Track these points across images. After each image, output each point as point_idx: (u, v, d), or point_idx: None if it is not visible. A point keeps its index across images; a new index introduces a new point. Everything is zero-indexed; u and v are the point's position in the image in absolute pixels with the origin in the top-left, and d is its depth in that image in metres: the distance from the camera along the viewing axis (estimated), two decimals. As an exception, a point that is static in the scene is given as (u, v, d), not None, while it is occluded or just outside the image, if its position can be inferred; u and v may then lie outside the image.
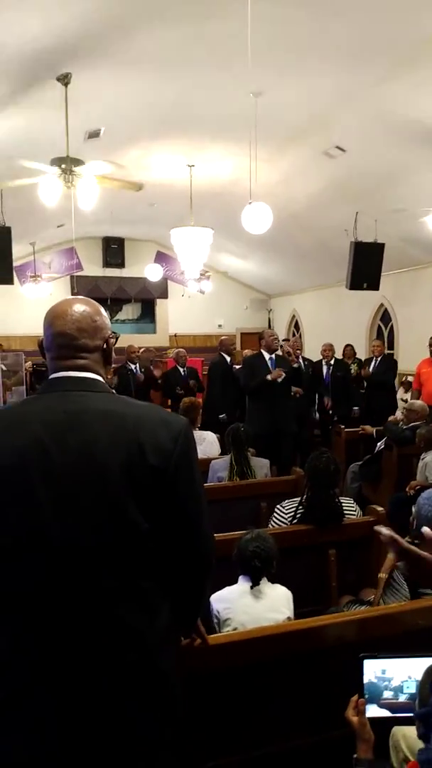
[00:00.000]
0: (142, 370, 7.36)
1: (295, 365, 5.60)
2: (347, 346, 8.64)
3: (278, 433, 5.30)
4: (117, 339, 1.72)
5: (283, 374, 5.34)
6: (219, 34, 4.19)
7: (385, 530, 1.37)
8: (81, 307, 1.36)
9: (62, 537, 1.19)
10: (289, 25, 4.07)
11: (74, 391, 1.30)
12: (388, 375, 7.03)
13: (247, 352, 7.34)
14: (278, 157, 6.60)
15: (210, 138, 6.41)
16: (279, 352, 5.62)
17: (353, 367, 7.64)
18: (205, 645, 1.63)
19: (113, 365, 1.52)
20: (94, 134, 5.91)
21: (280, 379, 5.31)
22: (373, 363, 7.07)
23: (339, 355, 8.02)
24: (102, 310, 1.40)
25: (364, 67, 4.63)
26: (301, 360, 7.03)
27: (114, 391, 1.43)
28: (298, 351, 6.10)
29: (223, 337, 7.62)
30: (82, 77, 4.69)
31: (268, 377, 5.33)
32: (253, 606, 2.24)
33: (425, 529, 1.38)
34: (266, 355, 5.57)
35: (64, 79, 4.67)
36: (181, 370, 7.50)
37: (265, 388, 5.34)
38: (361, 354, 9.22)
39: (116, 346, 1.54)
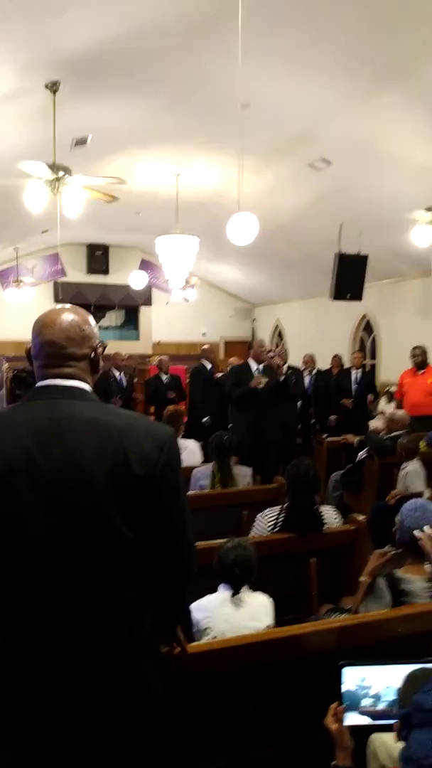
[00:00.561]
0: (127, 377, 7.38)
1: (281, 378, 5.64)
2: (335, 356, 8.74)
3: (263, 443, 5.33)
4: (105, 348, 1.71)
5: (263, 382, 5.36)
6: (207, 46, 4.24)
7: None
8: (69, 316, 1.36)
9: (48, 545, 1.19)
10: (277, 39, 4.14)
11: (61, 399, 1.30)
12: (368, 389, 7.11)
13: (233, 360, 7.37)
14: (264, 169, 6.67)
15: (197, 148, 6.46)
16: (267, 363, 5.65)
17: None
18: (184, 653, 1.63)
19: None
20: (81, 141, 5.92)
21: (260, 386, 5.34)
22: (354, 374, 7.13)
23: (324, 364, 8.10)
24: (90, 319, 1.41)
25: (350, 81, 4.72)
26: (285, 367, 7.08)
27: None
28: (280, 363, 6.13)
29: (204, 347, 7.68)
30: (71, 85, 4.70)
31: (252, 384, 5.35)
32: (233, 615, 2.24)
33: (417, 533, 1.42)
34: (253, 365, 5.60)
35: (53, 87, 4.68)
36: (164, 377, 7.50)
37: (249, 397, 5.36)
38: (345, 364, 9.31)
39: (103, 353, 1.54)
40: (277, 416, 5.66)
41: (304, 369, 7.13)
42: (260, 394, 5.32)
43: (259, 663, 1.91)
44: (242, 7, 2.99)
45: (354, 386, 7.09)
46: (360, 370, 7.15)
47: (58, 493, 1.20)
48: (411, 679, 1.37)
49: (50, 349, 1.33)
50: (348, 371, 7.32)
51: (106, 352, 7.12)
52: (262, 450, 5.27)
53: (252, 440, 5.15)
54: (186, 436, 5.21)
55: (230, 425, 5.70)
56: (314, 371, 7.15)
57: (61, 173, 4.63)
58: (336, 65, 4.50)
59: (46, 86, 4.68)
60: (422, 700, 1.19)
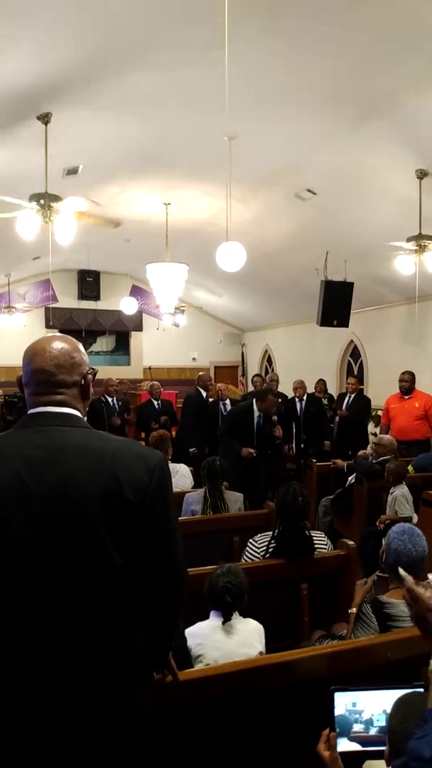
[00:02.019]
0: (119, 403, 7.36)
1: (279, 441, 5.65)
2: (319, 381, 8.79)
3: (252, 470, 5.36)
4: (95, 374, 1.73)
5: (254, 455, 5.33)
6: (195, 79, 4.38)
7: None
8: (59, 344, 1.39)
9: (39, 571, 1.20)
10: (263, 73, 4.28)
11: (52, 426, 1.31)
12: (362, 412, 7.16)
13: (221, 386, 7.38)
14: (251, 198, 6.82)
15: (185, 178, 6.60)
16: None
17: (324, 401, 7.77)
18: (176, 681, 1.62)
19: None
20: (72, 171, 6.04)
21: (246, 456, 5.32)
22: (346, 400, 7.18)
23: (311, 389, 8.14)
24: (80, 347, 1.43)
25: (334, 115, 4.88)
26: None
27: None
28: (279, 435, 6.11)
29: (201, 373, 7.66)
30: (62, 116, 4.82)
31: (242, 452, 5.30)
32: (225, 642, 2.23)
33: (401, 572, 1.39)
34: (256, 413, 5.50)
35: (45, 118, 4.79)
36: (155, 402, 7.49)
37: (232, 449, 5.31)
38: (332, 389, 9.39)
39: (93, 380, 1.56)
40: (263, 454, 5.62)
41: (296, 395, 7.16)
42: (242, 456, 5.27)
43: (252, 689, 1.90)
44: (228, 42, 3.10)
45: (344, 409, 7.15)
46: (354, 395, 7.21)
47: (50, 520, 1.21)
48: (399, 704, 1.37)
49: (41, 376, 1.35)
50: (343, 396, 7.38)
51: (97, 377, 7.11)
52: (251, 477, 5.27)
53: (241, 467, 5.16)
54: (174, 461, 5.20)
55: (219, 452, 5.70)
56: (305, 397, 7.18)
57: (51, 203, 4.69)
58: (320, 99, 4.66)
59: (38, 117, 4.79)
60: (417, 748, 1.14)
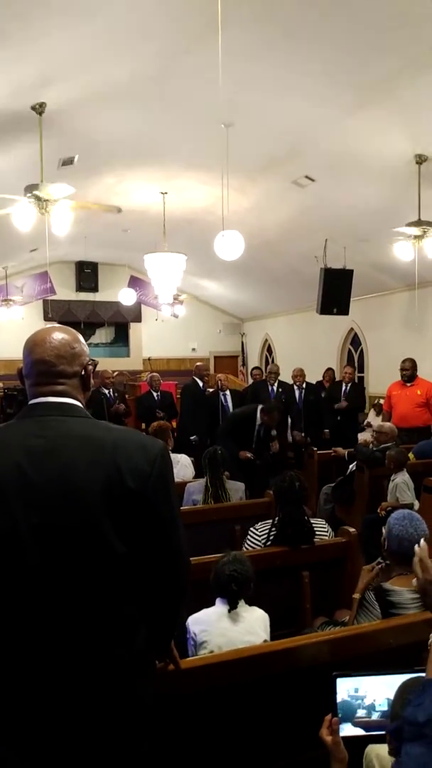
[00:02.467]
0: (115, 394, 7.34)
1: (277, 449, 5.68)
2: (328, 369, 8.80)
3: (252, 459, 5.38)
4: (96, 365, 1.73)
5: (250, 458, 5.37)
6: (191, 66, 4.33)
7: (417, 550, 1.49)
8: (59, 335, 1.39)
9: (41, 560, 1.20)
10: (259, 59, 4.23)
11: (53, 416, 1.31)
12: (358, 401, 7.16)
13: (221, 376, 7.38)
14: (249, 186, 6.77)
15: (183, 166, 6.55)
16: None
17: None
18: (178, 670, 1.63)
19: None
20: (68, 161, 5.99)
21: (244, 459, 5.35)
22: (343, 388, 7.18)
23: (316, 377, 8.15)
24: (80, 337, 1.43)
25: (332, 100, 4.83)
26: (275, 387, 7.16)
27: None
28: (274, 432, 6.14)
29: (198, 363, 7.68)
30: (57, 106, 4.77)
31: (240, 455, 5.30)
32: (231, 629, 2.24)
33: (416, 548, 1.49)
34: (258, 421, 5.48)
35: (39, 108, 4.74)
36: (155, 394, 7.49)
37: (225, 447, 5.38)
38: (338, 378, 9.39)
39: (94, 371, 1.56)
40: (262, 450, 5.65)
41: (294, 383, 7.16)
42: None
43: (255, 676, 1.92)
44: (222, 27, 3.06)
45: (342, 399, 7.15)
46: (350, 384, 7.21)
47: (51, 509, 1.21)
48: (402, 689, 1.38)
49: (41, 367, 1.35)
50: (339, 384, 7.37)
51: (97, 369, 7.12)
52: (251, 466, 5.28)
53: (240, 458, 5.18)
54: (175, 451, 5.22)
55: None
56: (304, 385, 7.18)
57: (47, 195, 4.65)
58: (318, 84, 4.61)
59: (33, 108, 4.74)
60: (412, 713, 1.19)
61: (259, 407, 5.61)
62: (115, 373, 7.73)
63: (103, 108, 5.03)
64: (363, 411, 7.62)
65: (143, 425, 7.30)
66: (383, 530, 2.36)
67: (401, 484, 4.37)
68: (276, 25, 3.86)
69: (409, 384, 6.43)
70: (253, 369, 9.96)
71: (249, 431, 5.47)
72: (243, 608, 2.29)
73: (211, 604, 2.33)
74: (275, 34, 3.95)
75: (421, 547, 1.45)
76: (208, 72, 3.98)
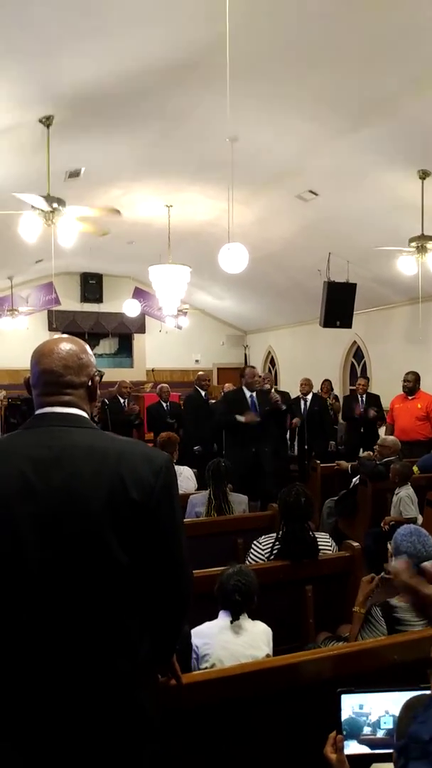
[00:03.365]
0: (131, 403, 7.51)
1: (284, 407, 5.71)
2: (325, 381, 8.79)
3: (258, 469, 5.38)
4: (102, 376, 1.74)
5: (257, 419, 5.39)
6: (197, 83, 4.39)
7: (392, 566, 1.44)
8: (67, 345, 1.39)
9: (43, 569, 1.20)
10: (264, 75, 4.28)
11: (59, 426, 1.32)
12: (381, 411, 7.15)
13: (228, 386, 7.41)
14: (253, 200, 6.82)
15: (188, 180, 6.60)
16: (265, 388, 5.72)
17: (329, 402, 7.76)
18: (179, 684, 1.61)
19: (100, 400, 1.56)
20: (74, 174, 6.04)
21: (252, 422, 5.36)
22: (360, 399, 7.16)
23: (316, 389, 8.13)
24: (88, 348, 1.44)
25: (336, 116, 4.87)
26: (273, 391, 7.16)
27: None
28: (269, 387, 6.21)
29: (200, 373, 7.72)
30: (64, 119, 4.83)
31: (239, 418, 5.36)
32: (233, 642, 2.22)
33: (425, 564, 1.46)
34: (247, 393, 5.64)
35: (47, 121, 4.80)
36: (164, 404, 7.55)
37: (231, 427, 5.39)
38: (336, 390, 9.38)
39: (100, 382, 1.57)
40: (268, 443, 5.69)
41: (301, 394, 7.16)
42: (244, 425, 5.35)
43: (257, 692, 1.90)
44: (230, 45, 3.11)
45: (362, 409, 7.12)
46: (365, 396, 7.20)
47: (55, 519, 1.21)
48: (408, 707, 1.37)
49: (48, 377, 1.35)
50: (354, 396, 7.35)
51: (104, 380, 7.18)
52: (256, 476, 5.28)
53: (246, 467, 5.18)
54: (178, 463, 5.21)
55: (224, 452, 5.71)
56: (309, 395, 7.17)
57: (55, 205, 4.71)
58: (322, 101, 4.66)
59: (40, 120, 4.80)
60: (418, 731, 1.18)
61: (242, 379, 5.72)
62: (130, 385, 7.94)
63: (109, 121, 5.08)
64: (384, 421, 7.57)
65: (150, 435, 7.38)
66: (388, 545, 2.34)
67: (405, 498, 4.35)
68: (281, 42, 3.91)
69: (410, 397, 6.42)
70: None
71: (244, 404, 5.53)
72: (246, 621, 2.27)
73: (214, 617, 2.32)
74: (281, 50, 4.00)
75: (394, 568, 1.40)
76: (214, 87, 4.03)
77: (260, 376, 5.94)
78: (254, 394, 5.64)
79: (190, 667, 2.09)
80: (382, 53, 3.96)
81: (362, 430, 6.96)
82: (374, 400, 7.17)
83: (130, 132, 5.33)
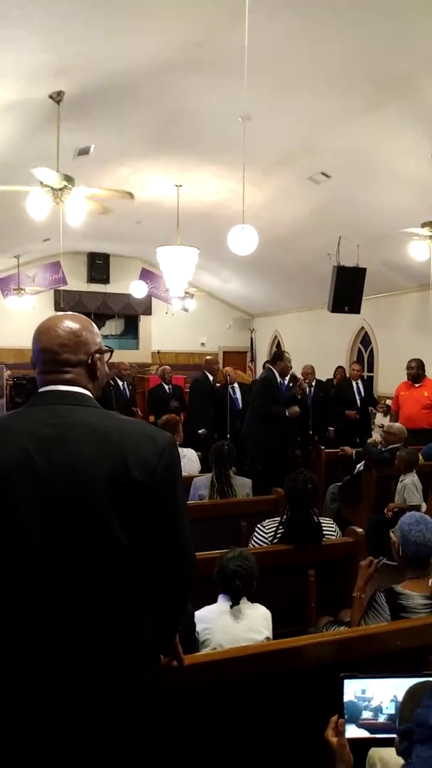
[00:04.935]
0: (130, 387, 7.42)
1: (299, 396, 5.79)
2: (339, 367, 8.78)
3: (284, 455, 5.50)
4: (111, 353, 1.71)
5: (299, 413, 5.58)
6: (210, 60, 4.30)
7: None
8: (67, 322, 1.37)
9: (44, 547, 1.19)
10: (279, 54, 4.19)
11: (61, 404, 1.30)
12: (372, 398, 7.19)
13: (228, 369, 7.36)
14: (264, 181, 6.72)
15: (198, 160, 6.51)
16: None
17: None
18: (181, 666, 1.62)
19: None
20: (83, 151, 5.97)
21: (295, 415, 5.59)
22: (355, 386, 7.14)
23: (325, 375, 8.12)
24: (91, 326, 1.41)
25: (350, 97, 4.78)
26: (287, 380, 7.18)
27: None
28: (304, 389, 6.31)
29: (208, 357, 7.67)
30: (75, 95, 4.75)
31: (287, 413, 5.50)
32: (233, 626, 2.23)
33: None
34: (279, 379, 5.68)
35: (57, 97, 4.72)
36: (167, 387, 7.52)
37: (279, 417, 5.53)
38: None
39: (109, 360, 1.54)
40: (294, 431, 5.88)
41: (305, 380, 7.13)
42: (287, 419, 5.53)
43: (259, 675, 1.90)
44: (248, 21, 3.04)
45: (358, 397, 7.11)
46: (360, 381, 7.17)
47: (57, 498, 1.20)
48: (412, 693, 1.37)
49: (46, 355, 1.34)
50: (349, 381, 7.33)
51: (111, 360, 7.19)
52: (282, 462, 5.35)
53: (274, 453, 5.35)
54: (182, 446, 5.20)
55: (244, 436, 5.80)
56: (314, 382, 7.16)
57: (64, 183, 4.65)
58: (336, 81, 4.56)
59: (51, 96, 4.72)
60: (424, 715, 1.18)
61: (266, 367, 5.83)
62: (129, 367, 7.87)
63: (120, 98, 5.00)
64: (376, 406, 7.57)
65: (152, 417, 7.35)
66: (390, 533, 2.33)
67: (410, 485, 4.34)
68: (298, 19, 3.81)
69: (416, 385, 6.38)
70: (265, 362, 9.92)
71: (279, 391, 5.64)
72: (245, 605, 2.27)
73: (216, 600, 2.32)
74: (297, 28, 3.91)
75: None
76: (227, 64, 3.95)
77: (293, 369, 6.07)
78: (286, 380, 5.70)
79: (193, 649, 2.10)
80: (398, 33, 3.87)
81: (358, 418, 7.04)
82: (367, 385, 7.23)
83: (141, 110, 5.24)
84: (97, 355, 1.39)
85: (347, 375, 8.41)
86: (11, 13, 3.56)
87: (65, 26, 3.80)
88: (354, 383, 7.17)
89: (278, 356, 5.82)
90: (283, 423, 5.55)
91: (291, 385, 5.74)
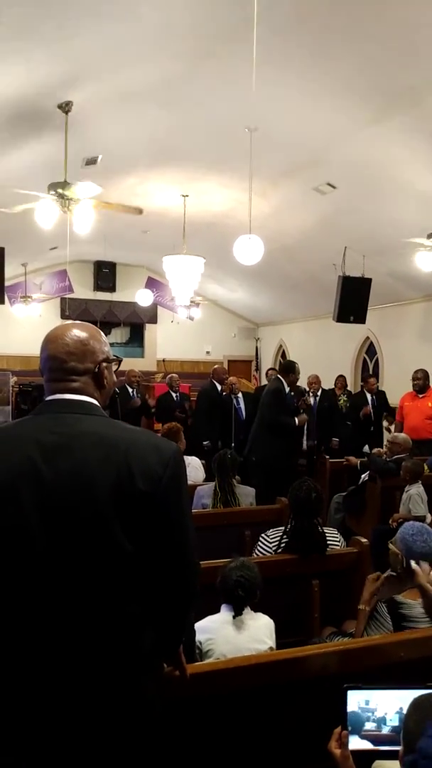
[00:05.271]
0: (139, 395, 7.46)
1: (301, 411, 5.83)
2: (339, 377, 8.75)
3: (292, 465, 5.57)
4: (120, 363, 1.72)
5: (306, 419, 5.68)
6: (219, 71, 4.34)
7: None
8: (75, 331, 1.38)
9: (47, 554, 1.20)
10: (286, 65, 4.23)
11: (67, 413, 1.31)
12: (389, 408, 7.13)
13: (232, 379, 7.36)
14: (270, 191, 6.76)
15: (205, 170, 6.56)
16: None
17: (342, 399, 7.71)
18: (183, 675, 1.61)
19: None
20: (91, 161, 6.02)
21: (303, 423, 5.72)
22: (370, 399, 7.12)
23: (329, 385, 8.10)
24: (99, 335, 1.42)
25: (357, 108, 4.81)
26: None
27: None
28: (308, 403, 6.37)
29: (216, 366, 7.68)
30: (83, 105, 4.80)
31: (297, 421, 5.59)
32: (236, 636, 2.22)
33: (414, 565, 1.44)
34: (286, 389, 5.69)
35: (65, 107, 4.78)
36: (174, 395, 7.54)
37: (289, 428, 5.58)
38: (349, 387, 9.32)
39: (118, 369, 1.54)
40: (299, 440, 5.96)
41: (309, 390, 7.12)
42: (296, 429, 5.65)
43: (262, 685, 1.89)
44: (256, 33, 3.07)
45: (371, 409, 7.10)
46: (375, 394, 7.16)
47: (61, 506, 1.21)
48: (416, 705, 1.35)
49: (53, 363, 1.35)
50: (362, 394, 7.31)
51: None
52: (287, 472, 5.36)
53: (280, 464, 5.36)
54: (187, 453, 5.20)
55: (251, 447, 5.80)
56: (319, 392, 7.15)
57: (72, 194, 4.68)
58: (344, 92, 4.59)
59: (59, 106, 4.77)
60: (427, 746, 1.16)
61: (274, 377, 5.91)
62: (139, 374, 7.97)
63: (128, 108, 5.05)
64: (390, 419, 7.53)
65: (160, 425, 7.37)
66: (390, 543, 2.32)
67: (415, 495, 4.32)
68: (306, 32, 3.85)
69: (421, 395, 6.36)
70: (268, 370, 9.94)
71: (288, 402, 5.69)
72: (248, 615, 2.26)
73: (218, 609, 2.31)
74: (305, 39, 3.95)
75: (416, 569, 1.40)
76: (235, 75, 3.99)
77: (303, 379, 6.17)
78: (291, 392, 5.75)
79: (194, 658, 2.09)
80: (404, 45, 3.89)
81: (372, 429, 6.95)
82: (381, 397, 7.16)
83: (148, 120, 5.29)
84: (105, 364, 1.39)
85: (347, 384, 8.41)
86: (21, 23, 3.61)
87: (75, 37, 3.86)
88: (369, 396, 7.15)
89: (290, 368, 5.78)
90: (292, 433, 5.59)
91: (293, 394, 5.73)
